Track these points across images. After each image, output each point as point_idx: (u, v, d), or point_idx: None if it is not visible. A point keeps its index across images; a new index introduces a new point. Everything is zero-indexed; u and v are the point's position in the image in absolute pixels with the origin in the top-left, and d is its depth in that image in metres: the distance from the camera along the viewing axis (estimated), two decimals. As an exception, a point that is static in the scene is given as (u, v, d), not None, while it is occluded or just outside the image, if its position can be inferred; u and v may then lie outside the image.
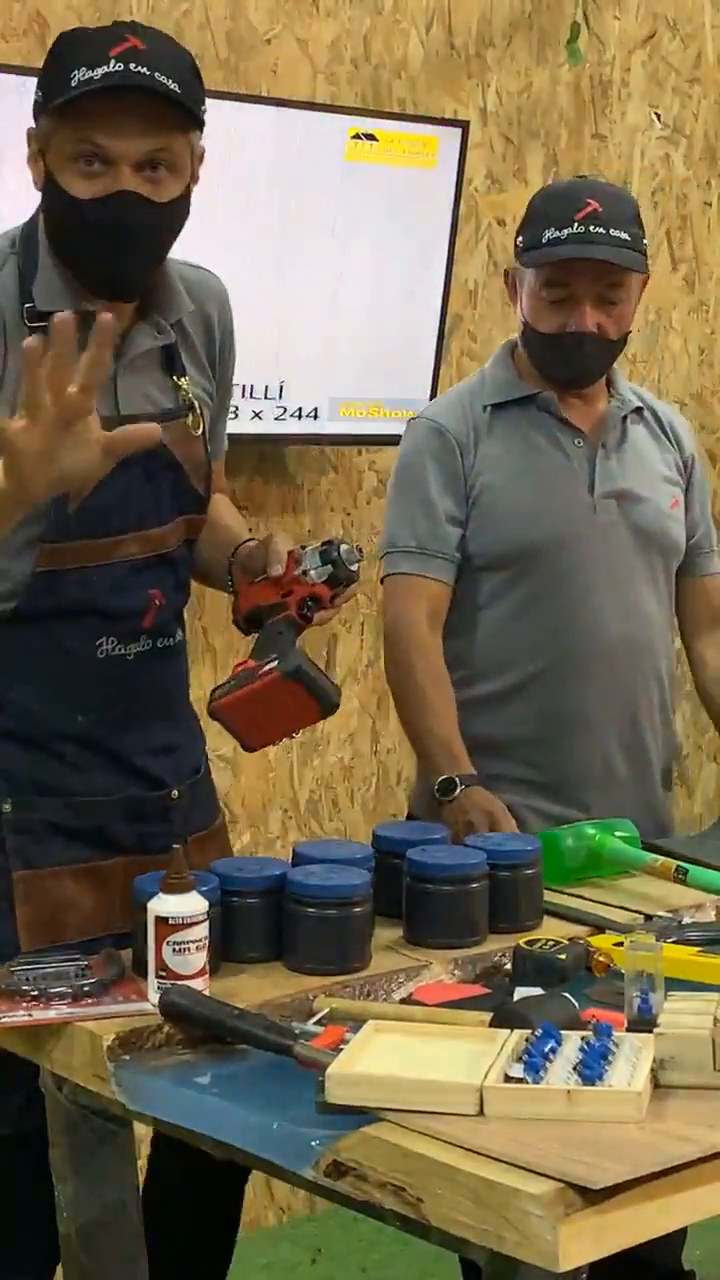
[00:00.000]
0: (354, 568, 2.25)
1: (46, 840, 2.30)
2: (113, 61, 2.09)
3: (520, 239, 2.68)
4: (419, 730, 2.68)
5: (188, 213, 2.24)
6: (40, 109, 2.18)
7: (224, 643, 3.46)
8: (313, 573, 2.24)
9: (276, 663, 2.16)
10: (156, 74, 2.10)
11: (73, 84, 2.10)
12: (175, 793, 2.39)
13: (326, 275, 3.50)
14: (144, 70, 2.09)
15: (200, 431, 2.35)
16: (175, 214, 2.21)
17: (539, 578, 2.71)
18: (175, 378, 2.34)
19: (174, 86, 2.11)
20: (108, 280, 2.21)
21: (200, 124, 2.18)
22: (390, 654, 2.74)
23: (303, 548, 2.27)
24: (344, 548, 2.24)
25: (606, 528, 2.72)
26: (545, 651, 2.72)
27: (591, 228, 2.58)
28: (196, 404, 2.34)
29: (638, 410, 2.82)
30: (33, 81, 3.06)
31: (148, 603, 2.30)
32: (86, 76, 2.09)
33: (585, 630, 2.72)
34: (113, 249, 2.18)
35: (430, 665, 2.68)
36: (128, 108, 2.11)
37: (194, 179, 2.23)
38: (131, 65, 2.09)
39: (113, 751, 2.33)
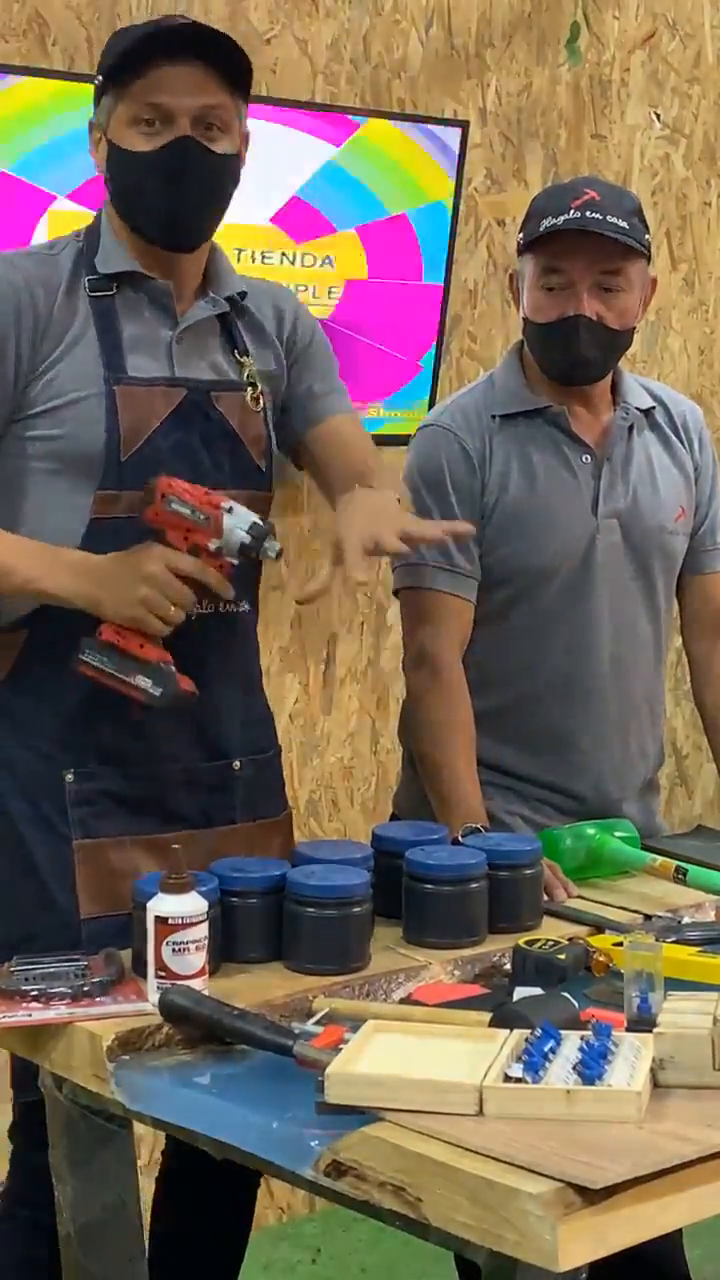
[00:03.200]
0: (263, 558, 2.29)
1: (108, 810, 2.35)
2: (163, 27, 2.30)
3: (521, 235, 2.68)
4: (443, 773, 2.62)
5: (239, 175, 2.39)
6: (100, 90, 2.34)
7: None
8: (230, 538, 2.26)
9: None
10: (206, 32, 2.31)
11: (128, 50, 2.27)
12: (238, 764, 2.42)
13: (326, 274, 3.50)
14: (193, 31, 2.30)
15: (261, 408, 2.44)
16: (230, 167, 2.36)
17: (537, 599, 2.69)
18: (237, 354, 2.43)
19: (221, 43, 2.30)
20: (170, 225, 2.35)
21: (246, 85, 2.34)
22: (419, 684, 2.67)
23: (229, 509, 2.27)
24: (270, 545, 2.27)
25: (607, 549, 2.70)
26: (537, 672, 2.70)
27: (588, 213, 2.57)
28: (259, 382, 2.44)
29: (648, 412, 2.80)
30: (32, 81, 3.05)
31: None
32: (141, 35, 2.28)
33: (578, 653, 2.70)
34: (178, 192, 2.32)
35: (464, 713, 2.64)
36: (182, 66, 2.27)
37: (241, 158, 2.39)
38: (182, 28, 2.30)
39: (177, 716, 2.35)
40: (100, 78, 2.35)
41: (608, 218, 2.57)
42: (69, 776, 2.33)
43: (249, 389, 2.43)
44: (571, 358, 2.65)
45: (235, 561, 2.28)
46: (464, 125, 3.70)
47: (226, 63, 2.30)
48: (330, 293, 3.57)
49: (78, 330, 2.33)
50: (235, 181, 2.38)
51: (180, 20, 2.33)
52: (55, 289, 2.34)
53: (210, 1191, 2.49)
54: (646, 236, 2.64)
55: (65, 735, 2.35)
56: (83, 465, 2.31)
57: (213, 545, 2.26)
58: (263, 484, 2.46)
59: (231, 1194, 2.55)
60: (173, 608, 2.23)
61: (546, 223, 2.59)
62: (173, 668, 2.27)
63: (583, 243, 2.57)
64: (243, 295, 2.47)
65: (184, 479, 2.30)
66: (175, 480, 2.28)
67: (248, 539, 2.26)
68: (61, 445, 2.31)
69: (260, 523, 2.27)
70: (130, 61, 2.28)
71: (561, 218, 2.58)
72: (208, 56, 2.29)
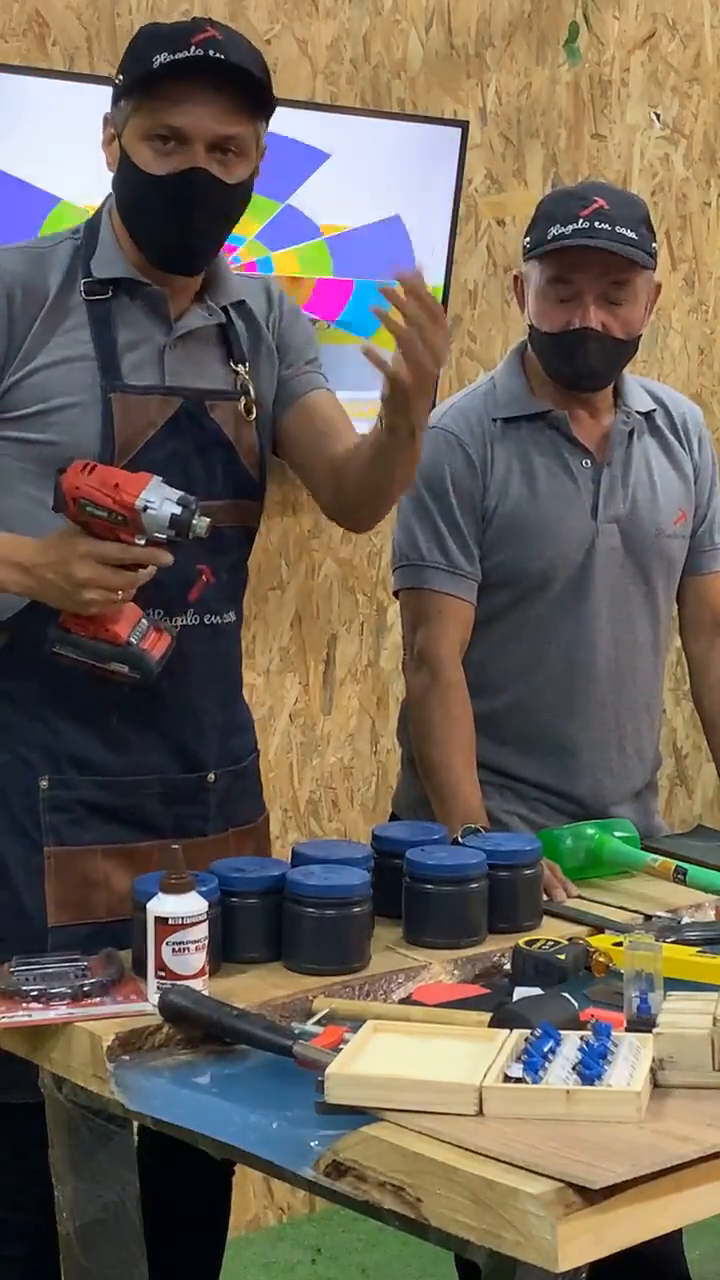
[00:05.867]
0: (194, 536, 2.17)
1: (82, 819, 2.33)
2: (193, 48, 2.21)
3: (527, 240, 2.67)
4: (442, 774, 2.62)
5: (250, 198, 2.35)
6: (120, 93, 2.29)
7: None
8: (156, 532, 2.15)
9: None
10: (233, 60, 2.23)
11: (154, 65, 2.21)
12: (212, 776, 2.41)
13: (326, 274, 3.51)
14: (222, 56, 2.22)
15: (253, 417, 2.42)
16: (240, 196, 2.32)
17: (536, 603, 2.69)
18: (232, 363, 2.41)
19: (248, 70, 2.24)
20: (173, 252, 2.32)
21: (269, 112, 2.30)
22: (419, 684, 2.68)
23: (144, 508, 2.13)
24: (199, 523, 2.15)
25: (606, 554, 2.70)
26: (535, 676, 2.70)
27: (597, 223, 2.56)
28: (252, 391, 2.42)
29: (649, 415, 2.79)
30: (32, 81, 3.07)
31: (195, 575, 2.32)
32: (168, 59, 2.21)
33: (576, 657, 2.70)
34: (184, 222, 2.28)
35: (463, 713, 2.64)
36: (204, 91, 2.23)
37: (256, 171, 2.34)
38: (211, 51, 2.21)
39: (155, 726, 2.35)
40: (120, 77, 2.30)
41: (616, 228, 2.56)
42: (44, 783, 2.32)
43: (242, 398, 2.40)
44: (577, 369, 2.65)
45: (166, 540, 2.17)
46: (464, 125, 3.70)
47: (251, 91, 2.25)
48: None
49: (70, 333, 2.30)
50: (245, 206, 2.35)
51: (209, 36, 2.23)
52: (44, 289, 2.30)
53: (186, 1181, 2.47)
54: (654, 244, 2.64)
55: (44, 742, 2.33)
56: None
57: (139, 540, 2.16)
58: (254, 493, 2.45)
59: (208, 1181, 2.54)
60: (119, 592, 2.18)
61: (554, 231, 2.58)
62: (142, 636, 2.20)
63: (591, 254, 2.56)
64: (240, 303, 2.44)
65: (176, 486, 2.19)
66: (82, 480, 2.16)
67: (172, 533, 2.14)
68: (52, 451, 2.26)
69: (179, 512, 2.14)
70: (153, 80, 2.22)
71: (570, 227, 2.57)
72: (233, 84, 2.23)
